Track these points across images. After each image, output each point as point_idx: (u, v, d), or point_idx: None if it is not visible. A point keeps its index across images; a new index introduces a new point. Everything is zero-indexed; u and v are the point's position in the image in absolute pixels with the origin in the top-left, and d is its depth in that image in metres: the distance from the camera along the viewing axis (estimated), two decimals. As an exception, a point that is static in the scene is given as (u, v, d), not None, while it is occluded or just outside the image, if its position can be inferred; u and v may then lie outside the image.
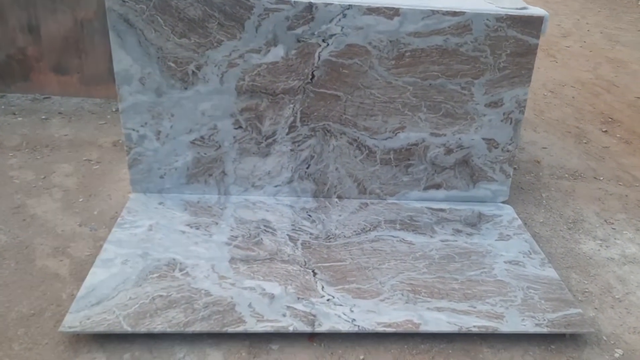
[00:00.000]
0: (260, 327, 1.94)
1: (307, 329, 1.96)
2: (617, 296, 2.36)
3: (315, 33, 2.46)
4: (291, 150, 2.67)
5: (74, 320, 1.89)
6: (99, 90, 3.63)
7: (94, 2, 3.36)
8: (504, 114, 2.72)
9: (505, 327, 2.05)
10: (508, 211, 2.82)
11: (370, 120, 2.65)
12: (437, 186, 2.85)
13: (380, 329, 1.99)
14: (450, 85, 2.62)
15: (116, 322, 1.89)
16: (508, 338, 2.06)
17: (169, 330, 1.89)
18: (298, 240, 2.43)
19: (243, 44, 2.44)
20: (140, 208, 2.53)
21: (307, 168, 2.72)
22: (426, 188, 2.84)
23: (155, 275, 2.12)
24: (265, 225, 2.51)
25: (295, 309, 2.04)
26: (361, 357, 1.92)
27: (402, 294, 2.16)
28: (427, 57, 2.54)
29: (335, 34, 2.47)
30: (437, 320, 2.05)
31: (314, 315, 2.01)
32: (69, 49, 3.46)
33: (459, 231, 2.63)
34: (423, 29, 2.48)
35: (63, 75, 3.55)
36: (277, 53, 2.48)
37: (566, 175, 3.33)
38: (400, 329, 2.00)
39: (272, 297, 2.08)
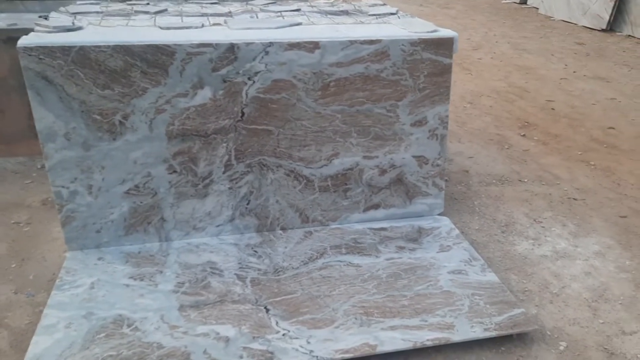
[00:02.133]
0: (218, 373, 1.91)
1: (265, 367, 1.95)
2: (554, 291, 2.50)
3: (240, 72, 2.50)
4: (229, 188, 2.68)
5: (20, 396, 1.79)
6: (20, 148, 3.50)
7: (7, 59, 3.25)
8: (429, 131, 2.85)
9: (456, 336, 2.13)
10: (445, 222, 2.94)
11: (304, 151, 2.71)
12: (376, 206, 2.93)
13: (338, 356, 2.01)
14: (376, 109, 2.73)
15: (66, 391, 1.81)
16: (460, 346, 2.13)
17: (123, 390, 1.83)
18: (246, 278, 2.43)
19: (169, 89, 2.44)
20: (79, 266, 2.44)
21: (248, 204, 2.73)
22: (366, 209, 2.91)
23: (102, 335, 2.05)
24: (211, 267, 2.49)
25: (252, 348, 2.03)
26: (323, 387, 1.93)
27: (356, 318, 2.20)
28: (351, 85, 2.64)
29: (260, 71, 2.52)
30: (392, 340, 2.10)
31: (272, 353, 2.01)
32: (-16, 109, 3.32)
33: (402, 248, 2.71)
34: (344, 59, 2.57)
35: (-21, 136, 3.40)
36: (204, 95, 2.49)
37: (494, 181, 3.51)
38: (358, 354, 2.03)
39: (226, 340, 2.06)
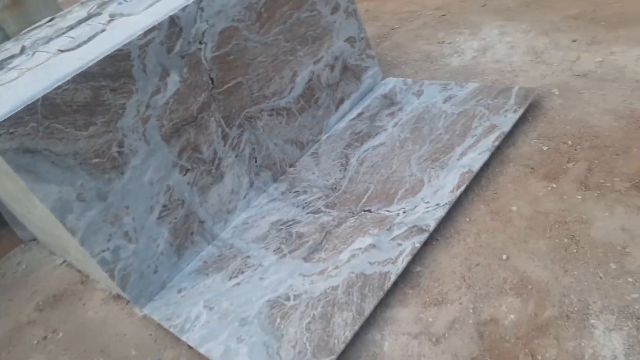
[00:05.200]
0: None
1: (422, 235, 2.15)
2: (508, 69, 3.04)
3: (190, 40, 2.37)
4: (236, 156, 2.62)
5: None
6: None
7: None
8: (344, 12, 3.04)
9: (504, 127, 2.54)
10: (394, 80, 3.27)
11: (272, 84, 2.73)
12: (341, 100, 3.11)
13: (456, 193, 2.28)
14: (302, 15, 2.82)
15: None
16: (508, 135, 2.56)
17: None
18: (320, 209, 2.50)
19: (142, 93, 2.23)
20: (172, 307, 2.26)
21: (256, 162, 2.71)
22: (336, 108, 3.08)
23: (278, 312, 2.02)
24: (280, 225, 2.50)
25: (398, 236, 2.19)
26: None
27: (432, 167, 2.46)
28: (277, 3, 2.67)
29: (205, 30, 2.42)
30: (471, 162, 2.42)
31: (414, 226, 2.20)
32: None
33: (392, 114, 2.98)
34: (263, -20, 2.58)
35: None
36: (174, 80, 2.33)
37: (412, 28, 3.88)
38: (464, 183, 2.32)
39: (373, 246, 2.18)
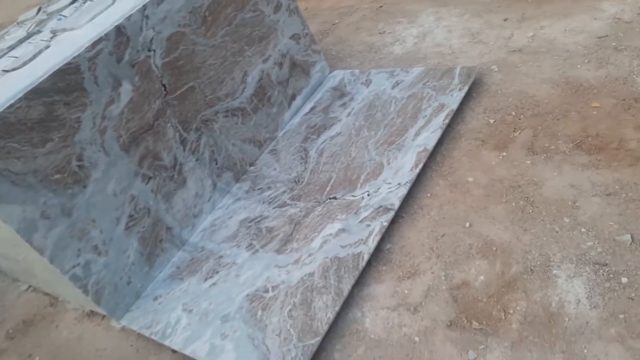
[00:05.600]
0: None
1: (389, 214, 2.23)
2: (448, 53, 3.18)
3: (139, 48, 2.37)
4: (196, 160, 2.63)
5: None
6: None
7: None
8: (286, 10, 3.11)
9: (453, 105, 2.66)
10: (341, 72, 3.35)
11: (224, 86, 2.76)
12: (293, 96, 3.17)
13: (415, 172, 2.39)
14: (245, 15, 2.86)
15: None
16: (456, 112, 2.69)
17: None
18: (286, 202, 2.55)
19: (96, 105, 2.22)
20: (150, 315, 2.26)
21: (216, 163, 2.73)
22: (289, 104, 3.14)
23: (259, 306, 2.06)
24: (249, 222, 2.53)
25: (369, 217, 2.26)
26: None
27: (390, 150, 2.56)
28: (218, 5, 2.71)
29: (152, 37, 2.42)
30: (426, 140, 2.53)
31: (381, 207, 2.28)
32: None
33: (344, 104, 3.07)
34: (204, -16, 2.61)
35: None
36: (126, 90, 2.33)
37: (353, 22, 3.97)
38: (422, 161, 2.43)
39: (342, 230, 2.25)
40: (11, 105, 1.96)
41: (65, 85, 2.11)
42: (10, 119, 1.95)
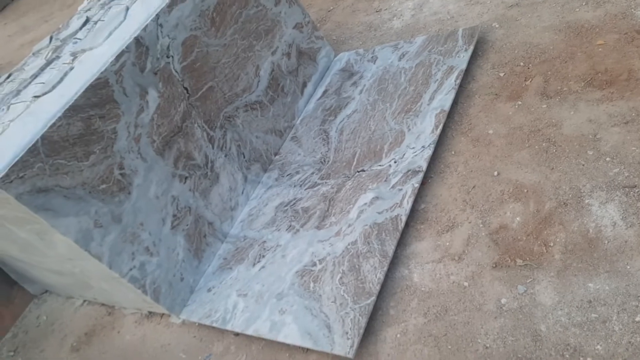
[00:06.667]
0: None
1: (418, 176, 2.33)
2: (447, 23, 3.26)
3: (158, 56, 2.49)
4: (225, 156, 2.74)
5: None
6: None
7: None
8: (286, 1, 3.21)
9: (462, 65, 2.76)
10: (347, 54, 3.45)
11: (240, 82, 2.86)
12: (304, 84, 3.28)
13: (436, 134, 2.49)
14: (250, 12, 2.97)
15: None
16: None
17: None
18: (316, 182, 2.66)
19: (128, 115, 2.34)
20: (207, 305, 2.37)
21: (244, 157, 2.84)
22: (302, 91, 3.24)
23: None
24: (284, 206, 2.64)
25: (400, 185, 2.37)
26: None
27: (408, 117, 2.66)
28: (225, 5, 2.81)
29: (168, 44, 2.53)
30: (441, 102, 2.63)
31: (410, 169, 2.38)
32: None
33: (354, 83, 3.16)
34: (207, -13, 2.72)
35: None
36: (153, 97, 2.44)
37: (361, 9, 4.06)
38: (442, 122, 2.52)
39: (377, 198, 2.36)
40: (53, 125, 2.08)
41: (98, 99, 2.23)
42: (54, 138, 2.07)
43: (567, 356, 1.62)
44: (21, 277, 3.09)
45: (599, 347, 1.60)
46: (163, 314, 2.55)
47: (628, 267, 1.72)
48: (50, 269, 2.68)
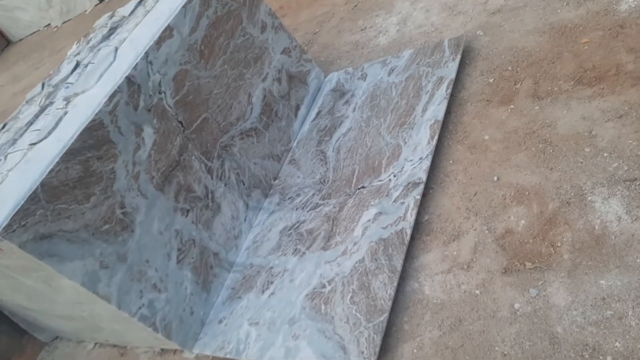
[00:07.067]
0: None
1: (419, 187, 2.33)
2: (431, 32, 3.30)
3: (150, 93, 2.51)
4: (225, 185, 2.75)
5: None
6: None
7: None
8: (272, 28, 3.25)
9: (451, 74, 2.78)
10: (336, 74, 3.48)
11: (233, 111, 2.89)
12: (297, 107, 3.30)
13: (431, 147, 2.50)
14: (237, 41, 3.00)
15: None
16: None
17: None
18: (318, 203, 2.66)
19: (125, 153, 2.35)
20: (219, 338, 2.36)
21: (244, 184, 2.85)
22: (295, 114, 3.26)
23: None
24: (288, 230, 2.64)
25: (404, 198, 2.37)
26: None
27: (402, 133, 2.67)
28: (211, 37, 2.85)
29: (160, 80, 2.56)
30: (435, 112, 2.65)
31: (410, 182, 2.38)
32: None
33: (347, 102, 3.19)
34: (190, 22, 2.74)
35: None
36: (148, 134, 2.46)
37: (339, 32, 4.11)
38: (436, 135, 2.54)
39: (379, 214, 2.36)
40: (52, 170, 2.08)
41: (95, 141, 2.24)
42: (54, 183, 2.08)
43: (587, 356, 1.60)
44: (31, 325, 3.07)
45: (617, 344, 1.59)
46: (176, 350, 2.52)
47: (638, 260, 1.71)
48: (60, 315, 2.66)
